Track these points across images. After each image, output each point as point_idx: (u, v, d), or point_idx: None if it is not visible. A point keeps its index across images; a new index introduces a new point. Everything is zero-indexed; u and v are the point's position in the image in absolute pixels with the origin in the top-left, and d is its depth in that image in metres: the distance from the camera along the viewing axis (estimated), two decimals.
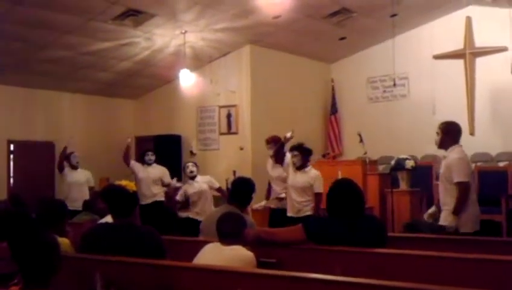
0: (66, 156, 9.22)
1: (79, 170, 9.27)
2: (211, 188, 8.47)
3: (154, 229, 3.73)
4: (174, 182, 9.15)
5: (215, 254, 3.55)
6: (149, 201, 8.87)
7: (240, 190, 4.88)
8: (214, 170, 11.08)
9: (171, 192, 9.11)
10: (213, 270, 3.22)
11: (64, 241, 3.87)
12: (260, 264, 3.52)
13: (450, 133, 5.45)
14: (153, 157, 9.20)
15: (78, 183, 9.11)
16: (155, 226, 3.74)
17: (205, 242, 3.77)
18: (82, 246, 3.68)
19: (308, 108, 12.47)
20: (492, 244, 4.16)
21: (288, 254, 3.67)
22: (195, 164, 8.57)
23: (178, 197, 8.50)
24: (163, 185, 9.14)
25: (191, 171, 8.37)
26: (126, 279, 3.31)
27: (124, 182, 3.87)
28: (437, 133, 5.51)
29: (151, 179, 9.02)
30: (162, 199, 9.18)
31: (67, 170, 9.24)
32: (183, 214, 8.73)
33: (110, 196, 3.77)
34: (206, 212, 7.81)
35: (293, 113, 11.74)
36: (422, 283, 2.56)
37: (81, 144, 11.25)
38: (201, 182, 8.44)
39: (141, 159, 9.24)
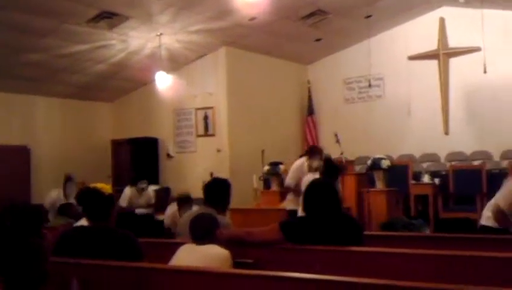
0: (66, 179, 8.85)
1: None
2: None
3: (130, 232, 3.69)
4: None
5: (190, 254, 3.53)
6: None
7: (212, 191, 4.70)
8: (192, 173, 11.08)
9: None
10: (190, 271, 3.20)
11: None
12: (237, 265, 3.51)
13: None
14: (144, 185, 9.33)
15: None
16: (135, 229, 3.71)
17: (181, 244, 3.74)
18: (57, 249, 3.63)
19: (285, 109, 12.50)
20: (466, 241, 4.19)
21: (265, 254, 3.66)
22: None
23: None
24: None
25: None
26: (103, 282, 3.27)
27: (99, 185, 3.82)
28: None
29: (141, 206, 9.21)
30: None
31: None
32: (161, 217, 8.73)
33: (85, 198, 3.72)
34: None
35: (270, 115, 11.77)
36: (398, 279, 2.57)
37: (57, 148, 11.18)
38: None
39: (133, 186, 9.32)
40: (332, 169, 6.88)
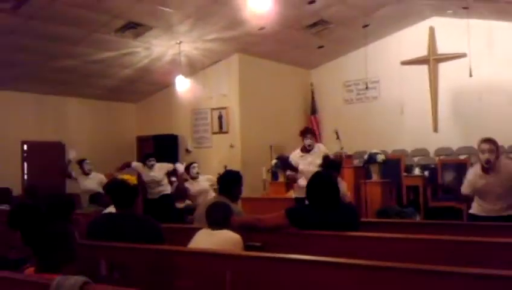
0: (78, 163, 8.94)
1: (92, 175, 8.79)
2: (212, 186, 8.40)
3: (152, 218, 3.71)
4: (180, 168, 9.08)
5: (206, 238, 3.54)
6: (154, 197, 8.91)
7: (226, 182, 4.69)
8: (208, 166, 11.08)
9: (181, 181, 8.96)
10: (206, 253, 3.22)
11: None
12: (247, 248, 3.51)
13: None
14: (153, 162, 8.99)
15: (90, 190, 8.23)
16: (158, 216, 3.70)
17: (199, 229, 3.76)
18: (88, 233, 3.66)
19: (291, 109, 12.47)
20: (452, 227, 4.18)
21: (272, 238, 3.66)
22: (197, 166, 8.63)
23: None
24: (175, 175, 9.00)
25: (197, 173, 8.53)
26: (128, 263, 3.29)
27: (125, 176, 3.84)
28: (491, 150, 4.63)
29: (155, 181, 8.97)
30: (168, 192, 9.06)
31: (80, 177, 8.85)
32: (180, 205, 8.74)
33: (113, 189, 3.74)
34: None
35: (278, 114, 11.75)
36: (391, 261, 2.57)
37: (88, 144, 11.23)
38: (203, 181, 8.49)
39: (144, 163, 9.07)
40: (330, 164, 6.63)
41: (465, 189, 4.98)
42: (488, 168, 4.67)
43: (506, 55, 10.54)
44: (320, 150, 7.15)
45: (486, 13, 10.08)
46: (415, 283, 2.44)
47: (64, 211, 4.02)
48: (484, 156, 4.65)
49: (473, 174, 4.93)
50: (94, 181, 8.71)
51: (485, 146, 4.66)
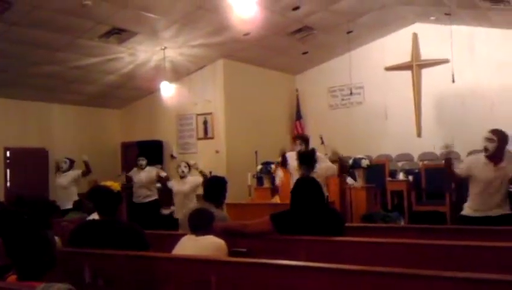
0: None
1: (66, 173, 9.16)
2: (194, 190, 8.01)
3: (137, 225, 3.68)
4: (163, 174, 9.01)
5: (190, 244, 3.53)
6: (141, 201, 8.96)
7: (211, 188, 4.70)
8: (193, 171, 11.02)
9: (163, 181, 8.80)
10: (190, 259, 3.19)
11: None
12: (232, 253, 3.50)
13: (505, 141, 4.84)
14: (143, 162, 9.10)
15: (61, 187, 9.09)
16: (144, 222, 3.67)
17: (183, 235, 3.74)
18: (70, 241, 3.61)
19: (276, 115, 12.48)
20: (436, 231, 4.20)
21: (257, 244, 3.66)
22: (188, 165, 8.21)
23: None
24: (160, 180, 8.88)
25: (182, 171, 8.04)
26: (112, 270, 3.26)
27: (108, 183, 3.80)
28: (490, 139, 4.79)
29: (142, 182, 9.03)
30: (154, 198, 9.10)
31: (56, 175, 9.29)
32: (166, 211, 8.68)
33: (96, 195, 3.71)
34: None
35: (263, 120, 11.75)
36: (377, 265, 2.57)
37: (72, 150, 11.09)
38: (189, 183, 8.02)
39: (135, 164, 9.22)
40: (305, 157, 6.21)
41: (460, 170, 5.11)
42: (490, 156, 4.77)
43: (487, 60, 10.67)
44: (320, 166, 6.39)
45: (468, 19, 10.20)
46: (401, 287, 2.44)
47: (45, 217, 3.97)
48: (483, 144, 4.81)
49: (476, 158, 5.04)
50: (64, 179, 9.12)
51: (487, 134, 4.82)
